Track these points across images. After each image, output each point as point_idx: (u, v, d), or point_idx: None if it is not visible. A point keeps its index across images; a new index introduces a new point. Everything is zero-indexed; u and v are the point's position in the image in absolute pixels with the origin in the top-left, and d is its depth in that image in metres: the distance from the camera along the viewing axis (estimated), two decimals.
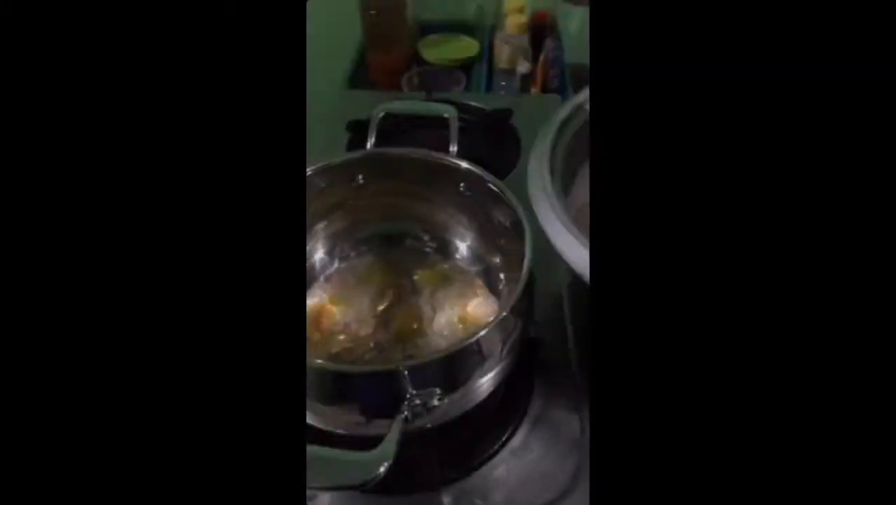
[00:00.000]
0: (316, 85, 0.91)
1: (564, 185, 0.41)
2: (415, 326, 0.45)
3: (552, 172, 0.41)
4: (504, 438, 0.42)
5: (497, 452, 0.42)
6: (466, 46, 0.86)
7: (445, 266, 0.49)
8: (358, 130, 0.65)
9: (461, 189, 0.46)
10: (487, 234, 0.47)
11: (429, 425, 0.35)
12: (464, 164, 0.44)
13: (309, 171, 0.43)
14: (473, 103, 0.71)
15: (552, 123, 0.44)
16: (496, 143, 0.66)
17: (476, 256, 0.49)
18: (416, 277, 0.49)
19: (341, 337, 0.45)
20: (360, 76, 0.83)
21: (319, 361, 0.32)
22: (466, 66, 0.83)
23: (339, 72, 0.82)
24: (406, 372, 0.31)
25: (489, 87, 0.80)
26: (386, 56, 0.80)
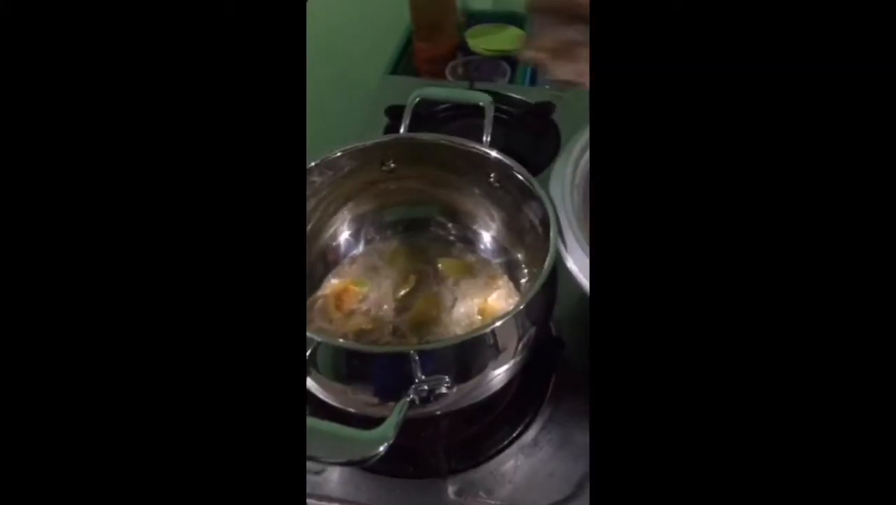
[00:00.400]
0: (358, 71, 0.92)
1: None
2: (434, 314, 0.45)
3: (580, 176, 0.40)
4: (514, 434, 0.42)
5: (506, 447, 0.41)
6: (513, 37, 0.84)
7: (470, 256, 0.49)
8: (396, 116, 0.65)
9: (491, 179, 0.45)
10: (514, 228, 0.47)
11: (438, 412, 0.35)
12: (494, 154, 0.43)
13: (339, 152, 0.44)
14: (516, 95, 0.70)
15: None
16: (535, 137, 0.65)
17: (501, 249, 0.49)
18: (440, 265, 0.49)
19: (361, 318, 0.45)
20: (405, 64, 0.83)
21: (332, 339, 0.32)
22: (512, 57, 0.82)
23: (384, 58, 0.83)
24: (416, 356, 0.31)
25: (534, 81, 0.79)
26: (431, 44, 0.80)
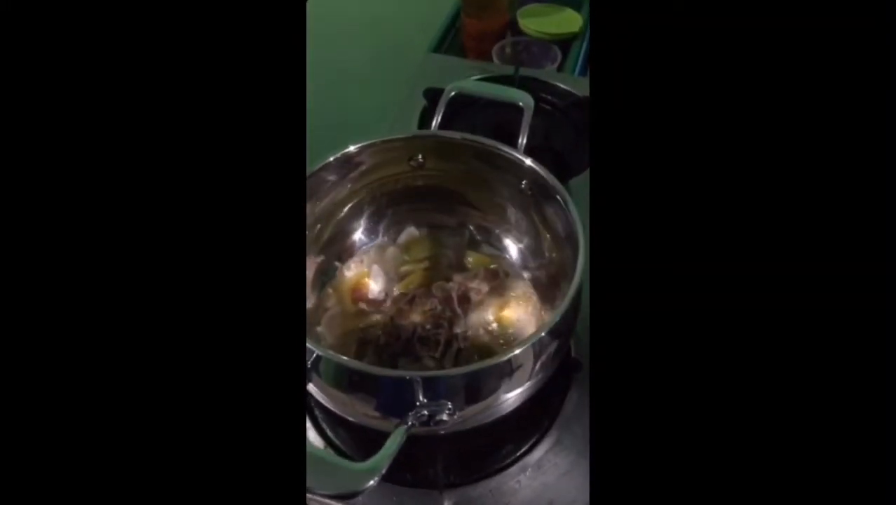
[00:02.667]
0: (403, 42, 0.88)
1: None
2: (448, 314, 0.44)
3: None
4: (519, 453, 0.41)
5: (509, 466, 0.40)
6: (568, 20, 0.79)
7: (495, 258, 0.47)
8: (435, 99, 0.62)
9: (522, 186, 0.43)
10: (541, 238, 0.44)
11: (441, 432, 0.34)
12: (528, 162, 0.40)
13: (366, 142, 0.42)
14: (563, 86, 0.66)
15: None
16: (578, 134, 0.61)
17: (525, 257, 0.46)
18: (469, 260, 0.47)
19: (374, 312, 0.44)
20: (452, 40, 0.79)
21: (333, 354, 0.31)
22: (565, 42, 0.77)
23: (429, 34, 0.79)
24: (419, 380, 0.30)
25: (584, 71, 0.74)
26: (480, 21, 0.76)
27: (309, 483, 0.25)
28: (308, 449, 0.26)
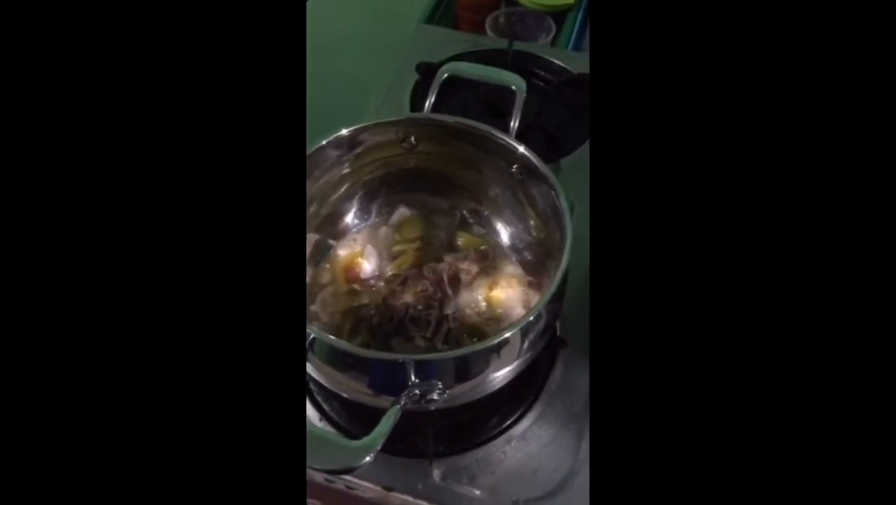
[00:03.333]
0: (392, 16, 0.86)
1: None
2: (439, 295, 0.45)
3: None
4: (505, 426, 0.43)
5: (495, 437, 0.42)
6: None
7: (485, 239, 0.48)
8: (427, 75, 0.62)
9: (513, 170, 0.43)
10: (530, 220, 0.45)
11: (432, 408, 0.36)
12: (521, 149, 0.41)
13: (359, 125, 0.42)
14: (557, 62, 0.65)
15: None
16: (572, 112, 0.61)
17: (514, 239, 0.48)
18: (459, 241, 0.48)
19: (366, 290, 0.45)
20: (445, 9, 0.77)
21: (328, 336, 0.32)
22: (559, 14, 0.75)
23: (422, 3, 0.77)
24: (411, 363, 0.32)
25: (578, 45, 0.73)
26: None
27: (308, 459, 0.26)
28: (308, 428, 0.27)
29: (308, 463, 0.27)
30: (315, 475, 0.42)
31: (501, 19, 0.73)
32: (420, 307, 0.38)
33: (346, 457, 0.28)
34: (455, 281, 0.44)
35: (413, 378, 0.32)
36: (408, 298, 0.38)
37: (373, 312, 0.41)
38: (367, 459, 0.28)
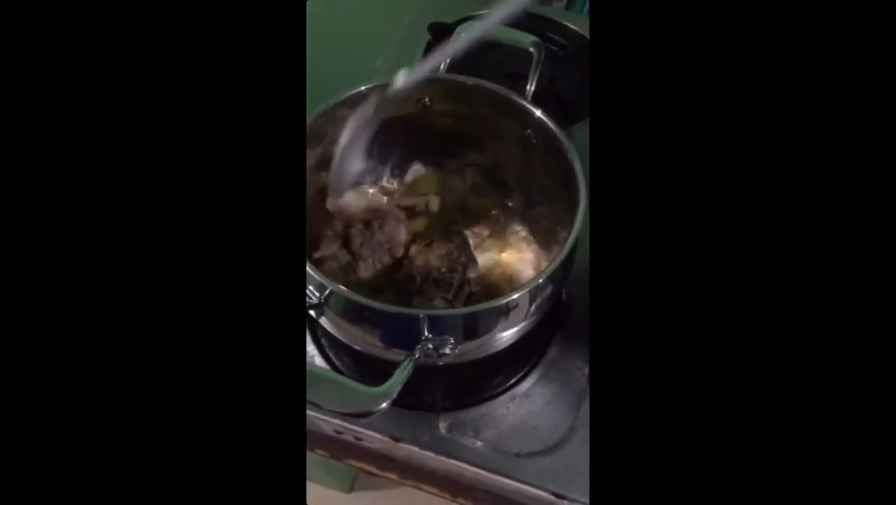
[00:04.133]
0: None
1: None
2: (463, 259, 0.45)
3: None
4: (509, 384, 0.44)
5: (499, 394, 0.44)
6: None
7: (496, 202, 0.48)
8: (439, 35, 0.61)
9: (528, 133, 0.43)
10: (543, 185, 0.46)
11: (441, 363, 0.37)
12: (537, 113, 0.41)
13: (376, 83, 0.42)
14: (572, 26, 0.64)
15: None
16: (584, 78, 0.60)
17: (528, 203, 0.48)
18: (471, 203, 0.48)
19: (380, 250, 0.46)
20: None
21: (345, 290, 0.33)
22: None
23: None
24: (425, 318, 0.33)
25: None
26: None
27: (328, 404, 0.28)
28: (328, 374, 0.28)
29: (328, 407, 0.28)
30: (324, 426, 0.44)
31: None
32: (444, 269, 0.39)
33: (365, 401, 0.29)
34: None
35: (426, 333, 0.33)
36: (433, 260, 0.39)
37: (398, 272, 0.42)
38: (384, 405, 0.29)
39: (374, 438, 0.42)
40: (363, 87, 0.42)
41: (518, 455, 0.41)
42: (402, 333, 0.34)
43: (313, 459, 0.46)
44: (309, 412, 0.42)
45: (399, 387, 0.30)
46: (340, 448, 0.45)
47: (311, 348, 0.45)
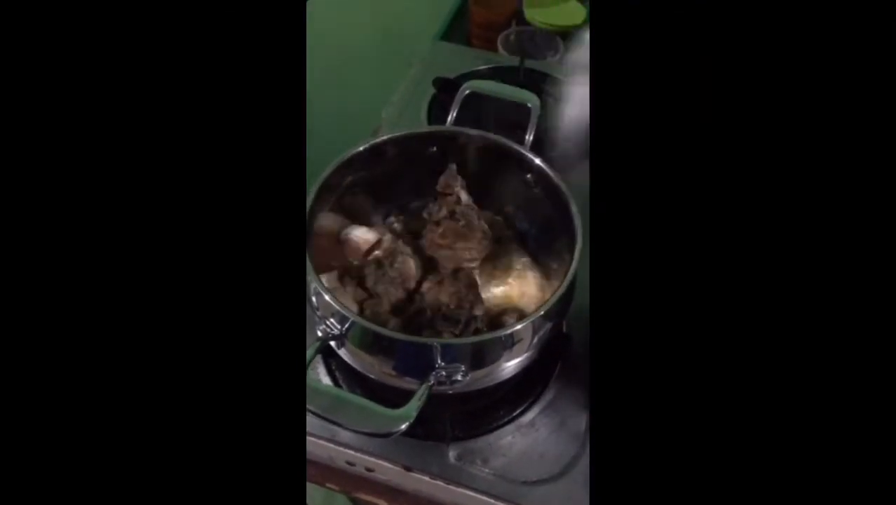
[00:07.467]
0: (411, 29, 0.91)
1: None
2: (471, 298, 0.48)
3: None
4: (515, 414, 0.46)
5: (506, 424, 0.46)
6: (572, 12, 0.82)
7: (503, 247, 0.51)
8: (443, 89, 0.66)
9: (528, 179, 0.47)
10: (543, 224, 0.49)
11: (450, 392, 0.40)
12: (537, 161, 0.45)
13: (384, 138, 0.46)
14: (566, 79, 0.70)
15: None
16: None
17: (531, 243, 0.51)
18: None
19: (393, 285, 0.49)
20: (458, 28, 0.82)
21: (363, 319, 0.36)
22: (566, 33, 0.80)
23: (437, 21, 0.82)
24: (438, 347, 0.35)
25: None
26: (487, 10, 0.79)
27: (353, 424, 0.30)
28: (353, 398, 0.31)
29: (353, 427, 0.30)
30: (336, 458, 0.45)
31: (512, 38, 0.78)
32: (453, 306, 0.42)
33: (387, 422, 0.32)
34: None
35: (439, 361, 0.36)
36: (443, 297, 0.42)
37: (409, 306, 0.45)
38: (404, 426, 0.31)
39: (387, 469, 0.44)
40: (376, 140, 0.46)
41: (525, 483, 0.43)
42: (417, 361, 0.36)
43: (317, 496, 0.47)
44: (323, 442, 0.44)
45: (417, 411, 0.33)
46: (351, 481, 0.47)
47: (325, 380, 0.47)
